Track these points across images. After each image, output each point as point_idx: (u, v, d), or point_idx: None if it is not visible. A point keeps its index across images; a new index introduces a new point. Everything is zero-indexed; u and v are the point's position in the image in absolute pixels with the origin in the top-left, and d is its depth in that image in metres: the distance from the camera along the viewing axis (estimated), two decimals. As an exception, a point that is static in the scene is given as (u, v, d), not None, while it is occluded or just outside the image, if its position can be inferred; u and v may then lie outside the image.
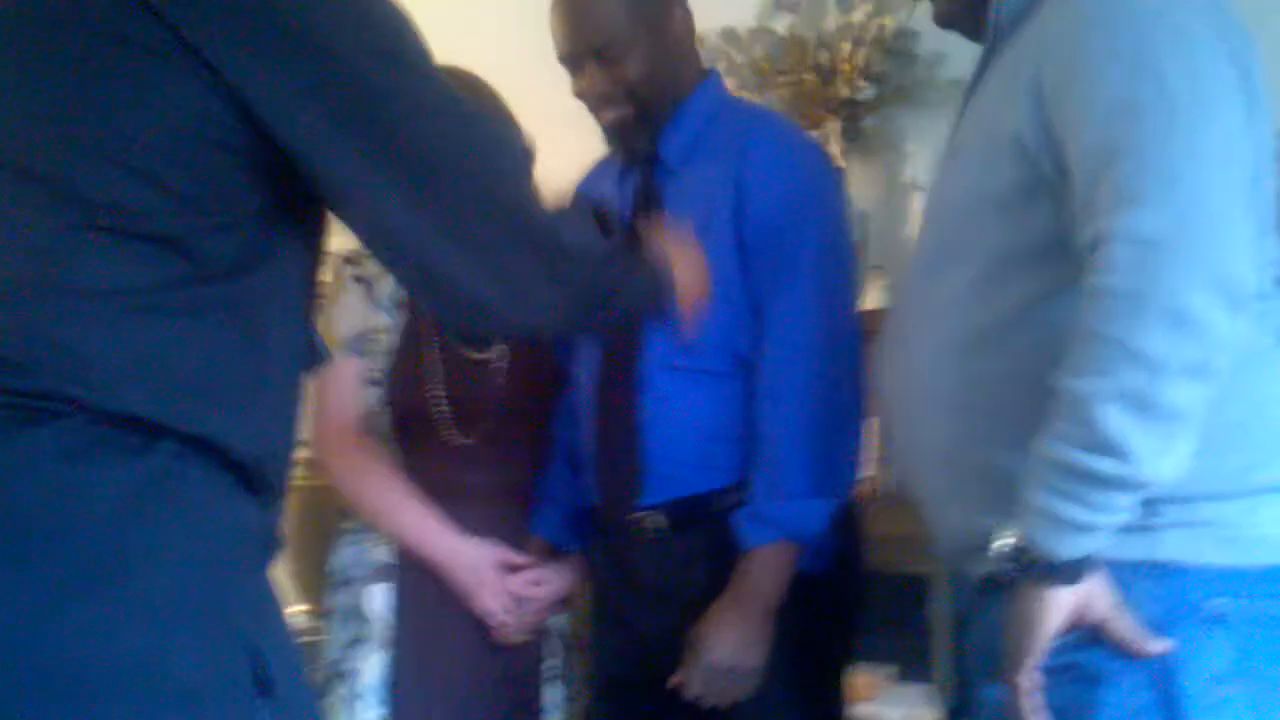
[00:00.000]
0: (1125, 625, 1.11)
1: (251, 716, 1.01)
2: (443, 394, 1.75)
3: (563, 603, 1.85)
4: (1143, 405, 1.04)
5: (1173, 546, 1.13)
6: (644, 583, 1.71)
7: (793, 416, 1.58)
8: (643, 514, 1.68)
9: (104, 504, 0.97)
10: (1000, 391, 1.20)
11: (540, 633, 1.81)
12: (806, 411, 1.58)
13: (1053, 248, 1.16)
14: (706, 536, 1.65)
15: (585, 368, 1.75)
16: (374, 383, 1.78)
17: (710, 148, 1.68)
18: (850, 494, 1.65)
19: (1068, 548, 1.09)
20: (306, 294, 1.17)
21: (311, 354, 1.21)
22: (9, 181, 1.03)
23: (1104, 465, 1.05)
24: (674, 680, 1.60)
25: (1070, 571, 1.10)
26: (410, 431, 1.77)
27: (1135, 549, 1.12)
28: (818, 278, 1.61)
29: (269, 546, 1.14)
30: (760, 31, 2.77)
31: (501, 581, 1.76)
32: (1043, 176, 1.16)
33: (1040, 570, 1.10)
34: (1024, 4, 1.26)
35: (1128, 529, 1.10)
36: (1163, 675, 1.11)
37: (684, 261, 1.38)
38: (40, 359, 0.98)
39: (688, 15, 1.73)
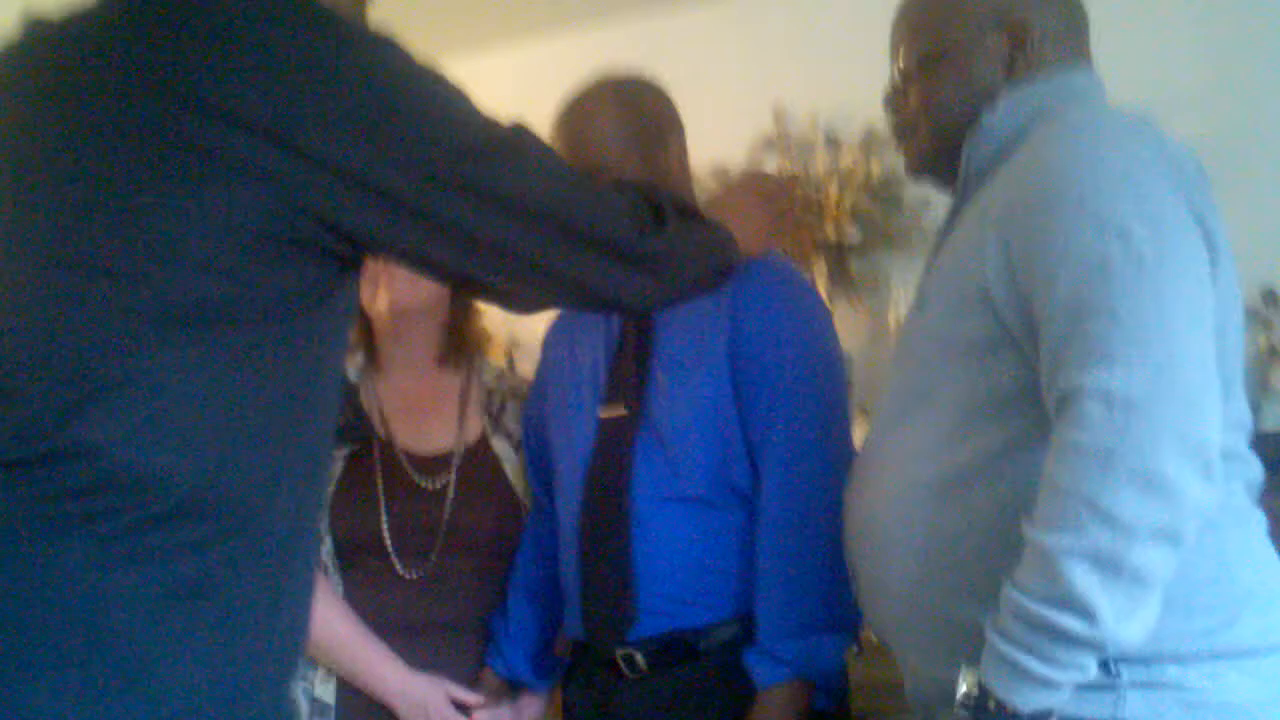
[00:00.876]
0: None
1: None
2: (386, 524, 1.71)
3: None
4: (1110, 566, 1.03)
5: (1135, 708, 1.11)
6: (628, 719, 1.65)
7: (799, 549, 1.55)
8: (630, 648, 1.62)
9: (130, 610, 0.98)
10: (962, 542, 1.19)
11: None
12: (811, 544, 1.54)
13: (1018, 399, 1.16)
14: (696, 672, 1.60)
15: (566, 499, 1.71)
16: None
17: None
18: (860, 628, 1.60)
19: (1026, 700, 1.07)
20: (339, 368, 1.21)
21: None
22: (66, 283, 1.02)
23: (1069, 622, 1.04)
24: None
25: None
26: (354, 561, 1.72)
27: (1097, 707, 1.10)
28: (815, 408, 1.60)
29: (287, 667, 1.13)
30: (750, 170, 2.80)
31: None
32: (1007, 330, 1.17)
33: (999, 717, 1.07)
34: (992, 156, 1.29)
35: (1090, 686, 1.08)
36: None
37: (738, 205, 1.49)
38: (85, 461, 0.98)
39: (684, 149, 1.74)
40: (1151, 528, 1.02)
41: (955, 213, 1.33)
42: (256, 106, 1.00)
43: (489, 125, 1.12)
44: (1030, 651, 1.05)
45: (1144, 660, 1.10)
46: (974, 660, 1.10)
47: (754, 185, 1.61)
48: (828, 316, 1.75)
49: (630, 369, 1.66)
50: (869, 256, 2.72)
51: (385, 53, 1.07)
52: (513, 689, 1.77)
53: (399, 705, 1.68)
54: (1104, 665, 1.09)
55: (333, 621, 1.67)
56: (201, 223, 1.00)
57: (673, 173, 1.71)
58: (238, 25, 1.02)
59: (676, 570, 1.60)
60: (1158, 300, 1.06)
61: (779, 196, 1.59)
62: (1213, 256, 1.14)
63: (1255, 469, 1.24)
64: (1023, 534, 1.08)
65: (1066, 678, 1.07)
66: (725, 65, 2.91)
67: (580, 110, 1.69)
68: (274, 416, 1.06)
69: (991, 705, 1.08)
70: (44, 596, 0.97)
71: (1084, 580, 1.02)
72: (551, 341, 1.83)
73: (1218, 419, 1.06)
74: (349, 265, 1.11)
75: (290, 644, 1.12)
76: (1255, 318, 2.37)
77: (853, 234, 2.68)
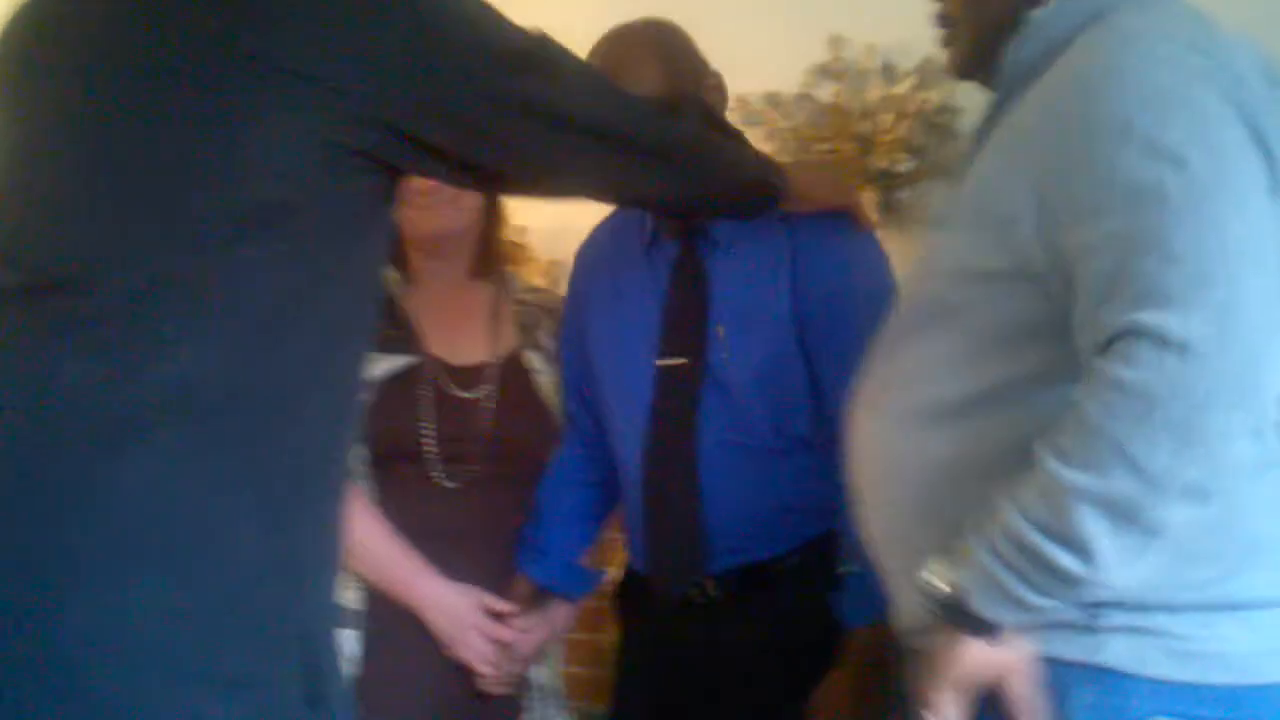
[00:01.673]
0: (1037, 713, 1.07)
1: None
2: (433, 433, 1.75)
3: (545, 652, 1.82)
4: (1125, 516, 0.98)
5: (1116, 652, 1.07)
6: (689, 646, 1.69)
7: None
8: (698, 583, 1.67)
9: (186, 499, 1.03)
10: (968, 470, 1.14)
11: (521, 684, 1.79)
12: None
13: (1036, 333, 1.11)
14: (760, 602, 1.65)
15: (624, 443, 1.74)
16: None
17: (756, 221, 1.66)
18: None
19: (997, 614, 1.05)
20: (379, 279, 1.26)
21: None
22: (122, 186, 1.08)
23: (1064, 559, 1.00)
24: None
25: (994, 630, 1.06)
26: (390, 469, 1.75)
27: (1076, 649, 1.08)
28: None
29: (338, 551, 1.18)
30: (804, 98, 2.77)
31: (481, 628, 1.73)
32: (1030, 263, 1.10)
33: (963, 619, 1.06)
34: (1038, 58, 1.18)
35: (1070, 626, 1.06)
36: None
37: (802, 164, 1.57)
38: (148, 358, 1.04)
39: (721, 83, 1.74)
40: (1182, 484, 0.97)
41: (991, 120, 1.24)
42: (322, 27, 1.08)
43: (521, 36, 1.20)
44: (1015, 573, 1.03)
45: (1133, 606, 1.06)
46: (954, 554, 1.08)
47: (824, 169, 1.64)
48: (883, 252, 1.73)
49: (688, 322, 1.68)
50: (920, 186, 2.69)
51: None
52: (542, 598, 1.81)
53: (431, 613, 1.72)
54: (1087, 606, 1.06)
55: (365, 529, 1.70)
56: (268, 131, 1.06)
57: (712, 106, 1.70)
58: None
59: (742, 513, 1.64)
60: (1219, 235, 0.98)
61: (828, 170, 1.61)
62: (1274, 182, 1.05)
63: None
64: (1036, 453, 1.02)
65: (1045, 604, 1.04)
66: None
67: (616, 61, 1.68)
68: (322, 320, 1.12)
69: (960, 606, 1.06)
70: (104, 485, 1.02)
71: (1093, 525, 0.98)
72: (588, 268, 1.84)
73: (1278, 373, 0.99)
74: (395, 180, 1.18)
75: (333, 540, 1.18)
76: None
77: (905, 163, 2.65)
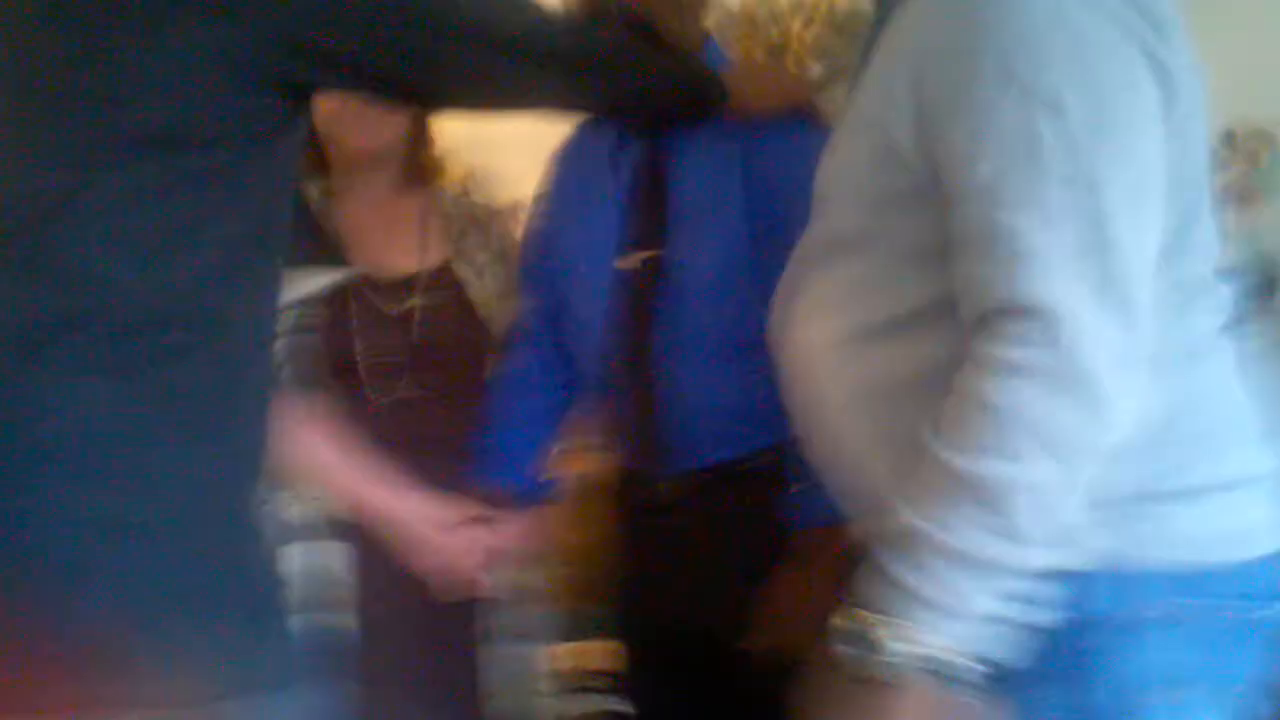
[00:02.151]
0: None
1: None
2: (364, 348, 1.75)
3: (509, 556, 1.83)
4: (1054, 498, 0.97)
5: (1115, 548, 1.04)
6: (676, 542, 1.71)
7: None
8: (652, 484, 1.69)
9: (109, 413, 1.04)
10: (897, 390, 1.11)
11: (493, 589, 1.80)
12: None
13: (945, 247, 1.05)
14: (712, 504, 1.67)
15: (584, 345, 1.74)
16: (303, 330, 1.74)
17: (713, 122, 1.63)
18: None
19: (925, 633, 0.97)
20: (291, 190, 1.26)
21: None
22: (19, 104, 1.08)
23: (1003, 553, 0.97)
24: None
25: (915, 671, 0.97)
26: (329, 387, 1.74)
27: (1073, 557, 1.02)
28: None
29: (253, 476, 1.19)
30: (715, 4, 2.77)
31: (431, 538, 1.73)
32: (924, 185, 1.05)
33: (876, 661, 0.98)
34: None
35: (1062, 541, 1.02)
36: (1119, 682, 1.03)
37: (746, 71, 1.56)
38: (56, 276, 1.04)
39: None
40: (1093, 448, 0.97)
41: (874, 35, 1.15)
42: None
43: None
44: (948, 581, 0.97)
45: (1113, 503, 1.03)
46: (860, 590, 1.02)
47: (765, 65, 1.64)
48: None
49: (649, 217, 1.68)
50: (830, 92, 2.72)
51: None
52: (493, 507, 1.80)
53: (392, 523, 1.71)
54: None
55: (318, 445, 1.70)
56: (174, 52, 1.05)
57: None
58: None
59: (706, 413, 1.65)
60: (1095, 195, 0.95)
61: (781, 75, 1.61)
62: (1169, 94, 1.01)
63: (1223, 297, 1.13)
64: (932, 454, 0.99)
65: (978, 610, 0.98)
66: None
67: None
68: (233, 238, 1.12)
69: (872, 639, 0.99)
70: (26, 402, 1.03)
71: (1029, 515, 0.96)
72: (560, 169, 1.83)
73: (1147, 320, 0.98)
74: (305, 98, 1.17)
75: (253, 455, 1.18)
76: (1212, 159, 2.39)
77: (815, 69, 2.68)
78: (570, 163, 1.81)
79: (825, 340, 1.18)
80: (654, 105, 1.50)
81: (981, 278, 0.99)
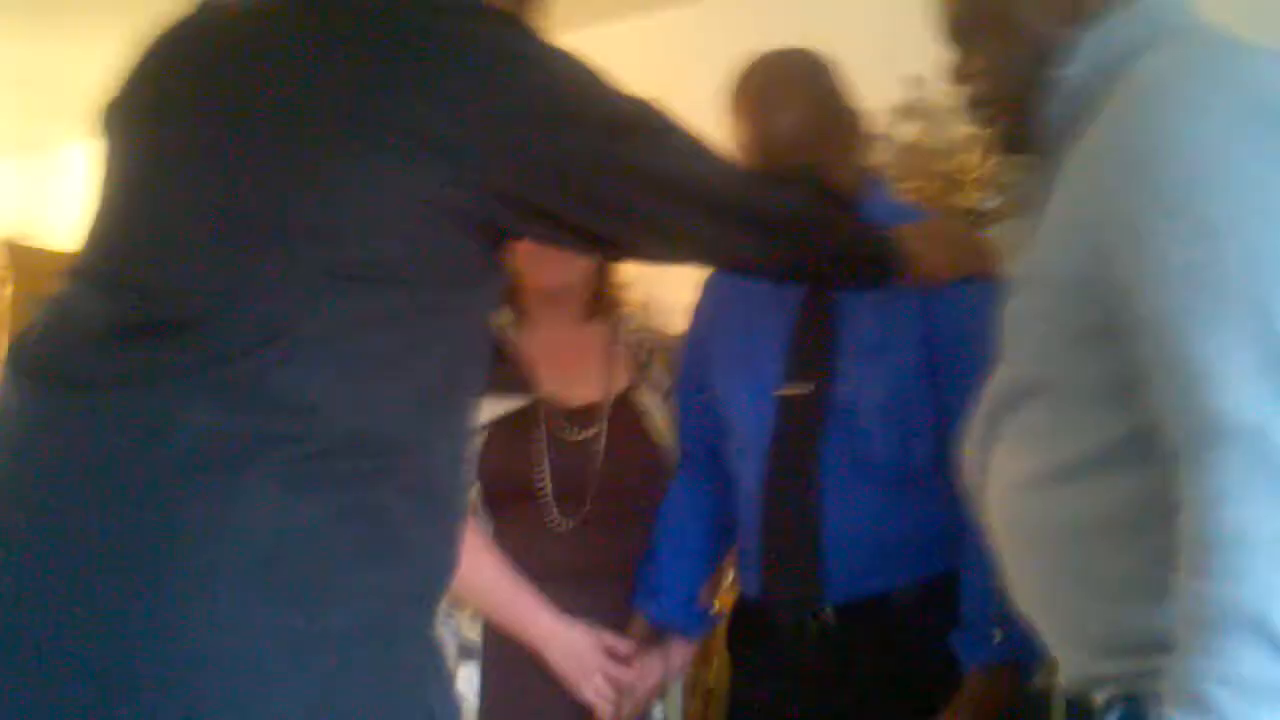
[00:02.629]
0: None
1: None
2: (547, 473, 1.77)
3: (663, 690, 1.83)
4: None
5: None
6: (805, 675, 1.69)
7: None
8: (816, 612, 1.67)
9: (307, 529, 1.06)
10: (1092, 531, 1.10)
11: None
12: None
13: (1134, 387, 1.05)
14: (875, 631, 1.65)
15: (745, 469, 1.75)
16: (489, 454, 1.76)
17: None
18: None
19: None
20: (489, 324, 1.32)
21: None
22: (246, 231, 1.12)
23: None
24: None
25: None
26: (506, 508, 1.78)
27: None
28: None
29: (438, 596, 1.21)
30: (886, 139, 2.81)
31: (603, 669, 1.74)
32: (1103, 323, 1.07)
33: None
34: (1075, 114, 1.15)
35: None
36: None
37: (927, 236, 1.53)
38: (267, 399, 1.08)
39: (861, 122, 1.77)
40: None
41: (1047, 181, 1.18)
42: (446, 88, 1.12)
43: (630, 104, 1.25)
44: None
45: None
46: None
47: (948, 225, 1.66)
48: None
49: (816, 347, 1.69)
50: (1008, 223, 2.71)
51: (546, 45, 1.21)
52: (660, 636, 1.82)
53: (552, 652, 1.73)
54: None
55: (484, 566, 1.73)
56: (388, 191, 1.11)
57: (855, 148, 1.74)
58: (433, 19, 1.16)
59: (862, 542, 1.64)
60: (1269, 313, 0.96)
61: (972, 240, 1.63)
62: None
63: None
64: (1194, 597, 0.95)
65: None
66: (861, 32, 2.91)
67: (768, 101, 1.68)
68: (433, 369, 1.16)
69: None
70: (226, 514, 1.05)
71: None
72: (717, 296, 1.85)
73: None
74: (503, 240, 1.23)
75: (441, 575, 1.21)
76: None
77: (991, 199, 2.67)
78: (731, 291, 1.82)
79: (1019, 481, 1.17)
80: (834, 272, 1.49)
81: (1177, 407, 0.99)
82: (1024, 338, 1.19)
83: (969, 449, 1.28)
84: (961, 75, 1.29)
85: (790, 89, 1.68)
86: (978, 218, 2.69)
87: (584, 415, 1.83)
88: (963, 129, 2.77)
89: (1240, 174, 1.00)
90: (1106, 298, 1.06)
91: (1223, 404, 0.95)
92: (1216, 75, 1.05)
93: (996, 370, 1.24)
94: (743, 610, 1.81)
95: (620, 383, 1.88)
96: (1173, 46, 1.11)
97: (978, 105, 1.28)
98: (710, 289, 1.88)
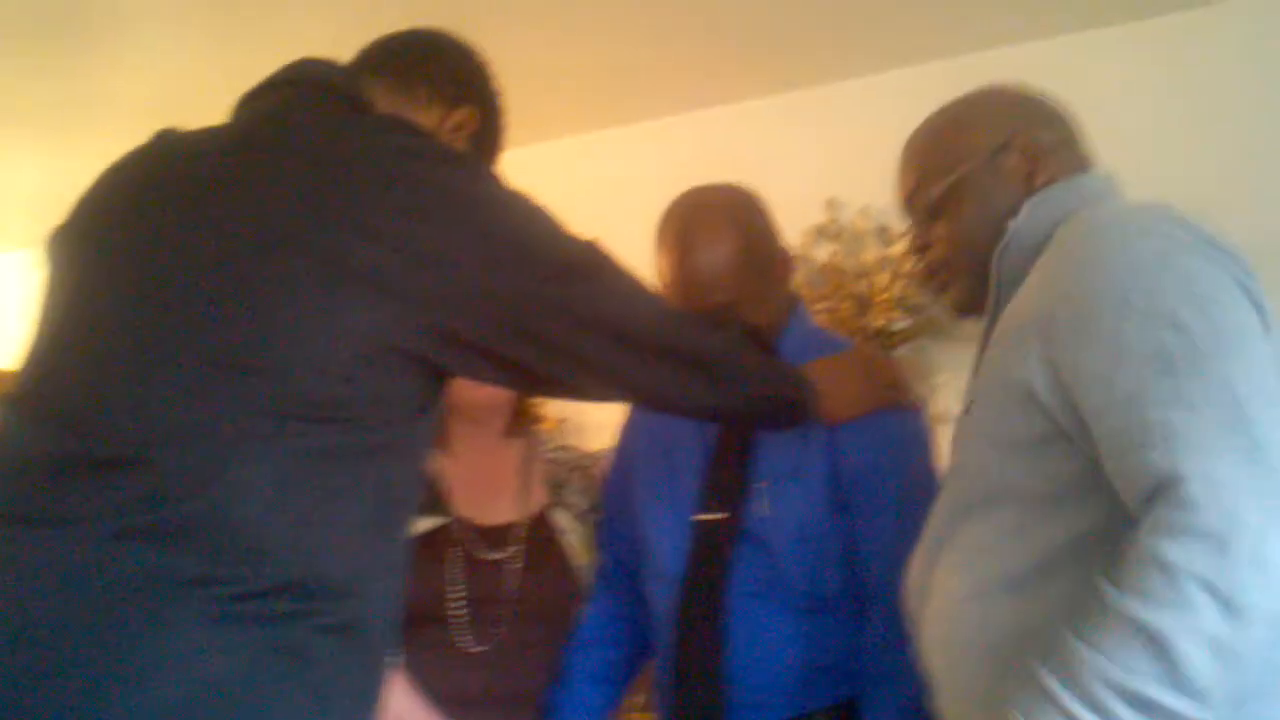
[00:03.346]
0: None
1: None
2: (461, 595, 1.74)
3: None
4: (1226, 651, 1.00)
5: None
6: None
7: (902, 651, 1.48)
8: None
9: (231, 672, 1.04)
10: (1033, 636, 1.14)
11: None
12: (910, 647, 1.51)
13: (1079, 491, 1.15)
14: None
15: (659, 596, 1.74)
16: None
17: None
18: None
19: None
20: (425, 458, 1.32)
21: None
22: (187, 369, 1.11)
23: (1181, 705, 1.00)
24: None
25: None
26: (415, 633, 1.69)
27: None
28: (916, 527, 1.50)
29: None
30: (802, 259, 2.87)
31: None
32: (1058, 425, 1.15)
33: None
34: (1021, 264, 1.28)
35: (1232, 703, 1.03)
36: None
37: (838, 371, 1.59)
38: (207, 541, 1.06)
39: (789, 257, 1.79)
40: (1266, 613, 1.00)
41: (992, 322, 1.32)
42: (394, 229, 1.14)
43: (571, 246, 1.28)
44: (1098, 708, 1.01)
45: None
46: None
47: (859, 358, 1.68)
48: (927, 443, 1.73)
49: (732, 475, 1.70)
50: (916, 343, 2.77)
51: (495, 186, 1.24)
52: None
53: None
54: None
55: (394, 693, 1.64)
56: (335, 330, 1.12)
57: (779, 283, 1.77)
58: (382, 159, 1.17)
59: (772, 668, 1.64)
60: (1228, 388, 1.05)
61: (882, 372, 1.67)
62: (1264, 321, 1.13)
63: None
64: (1107, 602, 1.03)
65: None
66: (781, 156, 2.99)
67: (691, 240, 1.70)
68: (372, 508, 1.16)
69: None
70: (155, 645, 1.03)
71: (1203, 665, 0.99)
72: (640, 426, 1.86)
73: None
74: (445, 378, 1.24)
75: (365, 714, 1.19)
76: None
77: (901, 321, 2.74)
78: (655, 419, 1.80)
79: (963, 594, 1.23)
80: (751, 412, 1.53)
81: (1143, 464, 1.06)
82: (976, 450, 1.27)
83: (912, 575, 1.32)
84: (919, 244, 1.40)
85: (713, 230, 1.70)
86: (888, 338, 2.76)
87: (500, 535, 1.81)
88: (875, 251, 2.85)
89: (1182, 277, 1.11)
90: (1057, 403, 1.14)
91: (1190, 457, 1.03)
92: (1153, 215, 1.19)
93: (943, 490, 1.32)
94: None
95: (537, 502, 1.86)
96: (1108, 205, 1.27)
97: (935, 271, 1.40)
98: (635, 415, 1.89)
